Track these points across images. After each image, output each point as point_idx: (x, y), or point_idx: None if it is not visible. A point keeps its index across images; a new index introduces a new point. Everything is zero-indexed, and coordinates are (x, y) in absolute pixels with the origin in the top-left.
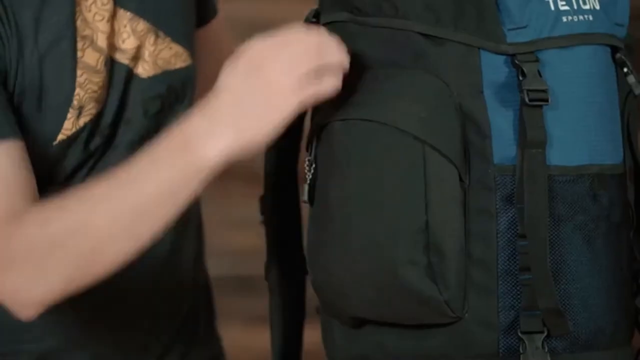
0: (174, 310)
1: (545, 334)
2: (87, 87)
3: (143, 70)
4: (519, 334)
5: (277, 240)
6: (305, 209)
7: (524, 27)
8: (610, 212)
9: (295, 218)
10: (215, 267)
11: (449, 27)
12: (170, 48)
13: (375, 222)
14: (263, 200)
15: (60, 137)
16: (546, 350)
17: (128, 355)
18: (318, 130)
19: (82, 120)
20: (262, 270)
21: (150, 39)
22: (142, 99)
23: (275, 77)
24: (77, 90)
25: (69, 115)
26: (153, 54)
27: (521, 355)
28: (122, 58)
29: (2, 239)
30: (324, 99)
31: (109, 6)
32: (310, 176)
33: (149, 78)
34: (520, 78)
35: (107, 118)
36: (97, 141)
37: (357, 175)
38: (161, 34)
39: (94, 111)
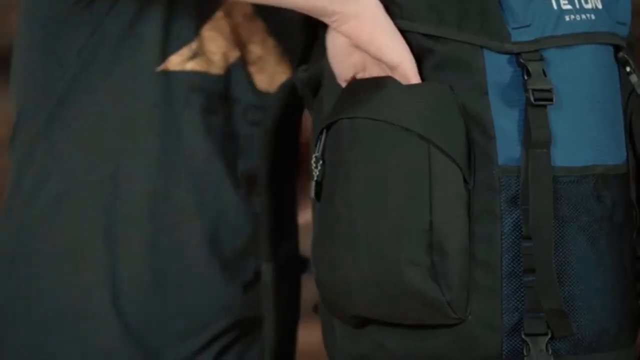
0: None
1: (549, 336)
2: (209, 43)
3: (259, 79)
4: (523, 336)
5: (272, 239)
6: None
7: (528, 25)
8: (614, 212)
9: (291, 217)
10: None
11: (453, 27)
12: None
13: (379, 221)
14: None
15: (163, 67)
16: (550, 352)
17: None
18: (327, 127)
19: (191, 65)
20: None
21: (276, 58)
22: (247, 103)
23: None
24: (199, 38)
25: (181, 51)
26: (272, 72)
27: (525, 358)
28: (247, 56)
29: None
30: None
31: (250, 10)
32: (318, 173)
33: (262, 90)
34: (525, 77)
35: (214, 87)
36: (196, 98)
37: (363, 174)
38: (287, 60)
39: (204, 68)
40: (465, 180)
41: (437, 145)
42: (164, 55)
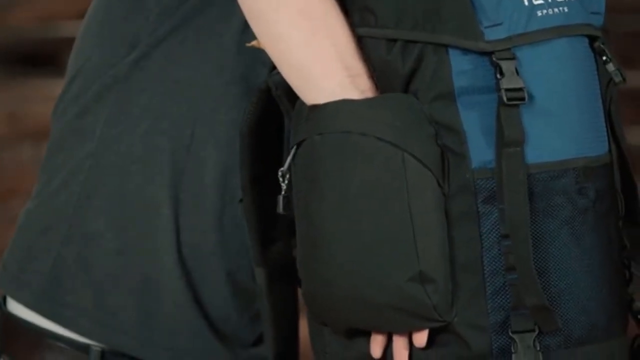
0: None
1: (537, 332)
2: None
3: None
4: (510, 334)
5: (259, 244)
6: None
7: (500, 24)
8: (597, 203)
9: (280, 220)
10: None
11: (428, 31)
12: None
13: (359, 234)
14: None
15: (256, 43)
16: (538, 348)
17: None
18: (297, 145)
19: None
20: None
21: None
22: None
23: None
24: None
25: None
26: None
27: (513, 355)
28: None
29: None
30: None
31: None
32: (285, 187)
33: None
34: (498, 76)
35: None
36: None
37: (337, 189)
38: None
39: None
40: (440, 185)
41: (410, 152)
42: (245, 32)
